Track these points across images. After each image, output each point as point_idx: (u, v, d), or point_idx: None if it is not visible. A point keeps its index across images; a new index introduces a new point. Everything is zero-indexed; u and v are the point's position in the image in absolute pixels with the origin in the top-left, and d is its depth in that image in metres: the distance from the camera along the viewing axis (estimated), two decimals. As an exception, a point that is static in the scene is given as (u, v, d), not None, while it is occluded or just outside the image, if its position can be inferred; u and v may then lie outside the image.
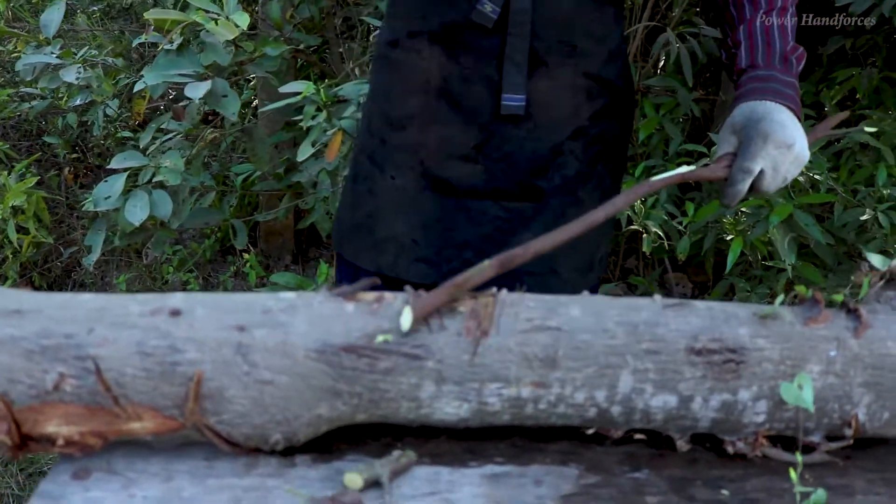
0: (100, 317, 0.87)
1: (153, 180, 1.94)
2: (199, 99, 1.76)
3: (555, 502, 0.85)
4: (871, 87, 2.57)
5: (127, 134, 2.92)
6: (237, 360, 0.86)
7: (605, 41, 1.28)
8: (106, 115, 2.51)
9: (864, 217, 2.02)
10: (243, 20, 1.80)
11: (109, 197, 1.82)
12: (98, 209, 1.84)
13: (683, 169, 1.13)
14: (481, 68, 1.22)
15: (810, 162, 2.01)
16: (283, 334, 0.87)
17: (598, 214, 1.01)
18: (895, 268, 1.02)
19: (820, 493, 0.86)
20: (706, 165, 1.19)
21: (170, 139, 2.26)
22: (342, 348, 0.87)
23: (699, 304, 0.95)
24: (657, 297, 0.95)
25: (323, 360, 0.87)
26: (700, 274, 3.17)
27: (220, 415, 0.86)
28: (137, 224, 1.80)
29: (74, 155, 3.45)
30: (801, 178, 2.08)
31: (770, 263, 2.17)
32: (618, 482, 0.89)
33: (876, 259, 1.03)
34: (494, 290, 0.93)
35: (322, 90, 1.73)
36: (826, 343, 0.92)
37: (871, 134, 2.24)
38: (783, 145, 1.13)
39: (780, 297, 0.93)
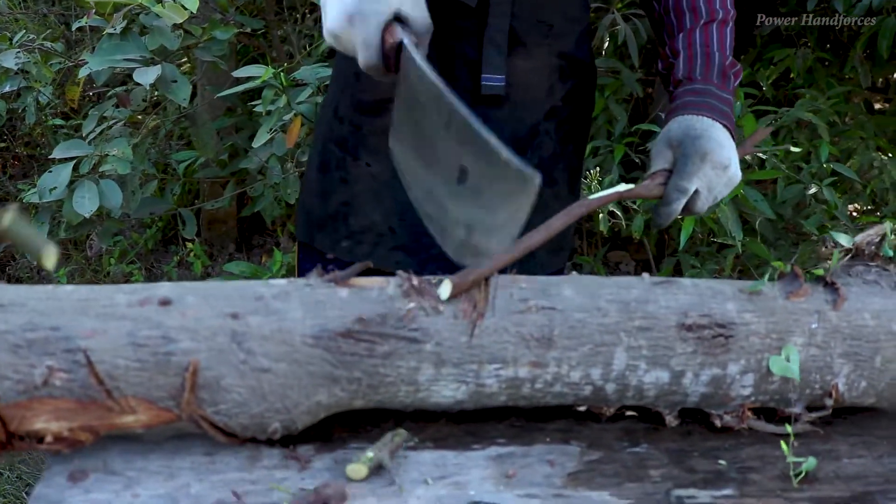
0: (86, 308, 0.84)
1: (99, 170, 1.88)
2: (149, 85, 1.70)
3: (562, 480, 0.86)
4: (805, 66, 2.65)
5: (59, 122, 2.82)
6: (233, 349, 0.84)
7: (579, 22, 1.29)
8: (38, 103, 2.42)
9: (812, 191, 2.08)
10: (192, 3, 1.75)
11: (56, 188, 1.76)
12: (43, 201, 1.77)
13: (621, 187, 1.09)
14: (460, 49, 1.21)
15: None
16: (279, 321, 0.86)
17: (536, 237, 0.98)
18: (861, 243, 1.06)
19: (811, 461, 0.89)
20: (642, 182, 1.14)
21: (109, 127, 2.20)
22: (340, 333, 0.86)
23: (686, 282, 0.97)
24: (645, 275, 0.97)
25: (321, 346, 0.86)
26: (641, 251, 3.24)
27: (216, 405, 0.84)
28: (87, 216, 1.74)
29: (2, 144, 3.31)
30: (748, 157, 2.14)
31: (718, 240, 2.23)
32: (619, 457, 0.91)
33: (842, 237, 1.06)
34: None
35: (282, 74, 1.69)
36: (808, 316, 0.95)
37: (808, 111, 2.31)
38: (719, 166, 1.10)
39: (768, 275, 0.96)
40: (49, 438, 0.83)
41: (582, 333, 0.90)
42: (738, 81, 1.22)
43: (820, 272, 0.98)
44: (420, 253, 1.31)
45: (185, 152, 2.56)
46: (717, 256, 2.44)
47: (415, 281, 0.91)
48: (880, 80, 3.23)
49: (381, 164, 1.29)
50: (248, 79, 1.78)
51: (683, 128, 1.11)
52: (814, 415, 0.97)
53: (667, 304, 0.93)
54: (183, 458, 0.86)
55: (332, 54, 2.82)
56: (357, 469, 0.84)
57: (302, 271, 1.44)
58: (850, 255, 1.06)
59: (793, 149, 2.13)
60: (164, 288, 0.88)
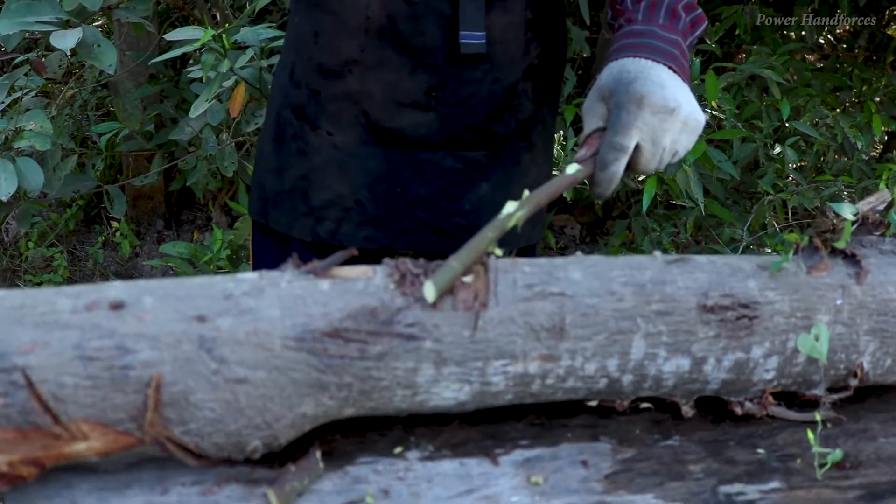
0: (22, 317, 0.71)
1: (14, 146, 1.69)
2: (68, 50, 1.53)
3: (601, 484, 0.77)
4: (752, 23, 2.60)
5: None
6: (202, 357, 0.72)
7: None
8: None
9: (777, 151, 2.03)
10: (112, -42, 1.58)
11: (-35, 167, 1.57)
12: (-48, 181, 1.59)
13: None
14: (432, 3, 1.09)
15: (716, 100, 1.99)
16: (253, 322, 0.74)
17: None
18: (867, 212, 1.00)
19: (837, 453, 0.82)
20: (577, 154, 0.97)
21: (20, 98, 2.00)
22: (326, 333, 0.74)
23: (701, 259, 0.88)
24: (657, 253, 0.88)
25: (305, 349, 0.74)
26: (586, 215, 3.17)
27: (186, 424, 0.72)
28: (5, 199, 1.56)
29: None
30: (706, 118, 2.07)
31: (677, 202, 2.17)
32: (654, 453, 0.83)
33: (846, 208, 0.99)
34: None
35: (224, 37, 1.53)
36: (832, 291, 0.87)
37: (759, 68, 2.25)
38: (663, 110, 0.92)
39: (791, 252, 0.87)
40: (-17, 474, 0.70)
41: (596, 321, 0.80)
42: (698, 28, 1.05)
43: (841, 244, 0.90)
44: (391, 226, 1.20)
45: (105, 124, 2.36)
46: (673, 218, 2.38)
47: (404, 267, 0.80)
48: (820, 36, 3.22)
49: (344, 133, 1.17)
50: (181, 43, 1.62)
51: (615, 74, 0.95)
52: (835, 396, 0.90)
53: (685, 284, 0.84)
54: (169, 493, 0.73)
55: (261, 16, 2.65)
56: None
57: (258, 254, 1.31)
58: (857, 224, 0.99)
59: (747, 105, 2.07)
60: (114, 288, 0.75)
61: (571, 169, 0.92)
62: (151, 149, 2.48)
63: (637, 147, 0.94)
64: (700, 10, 1.05)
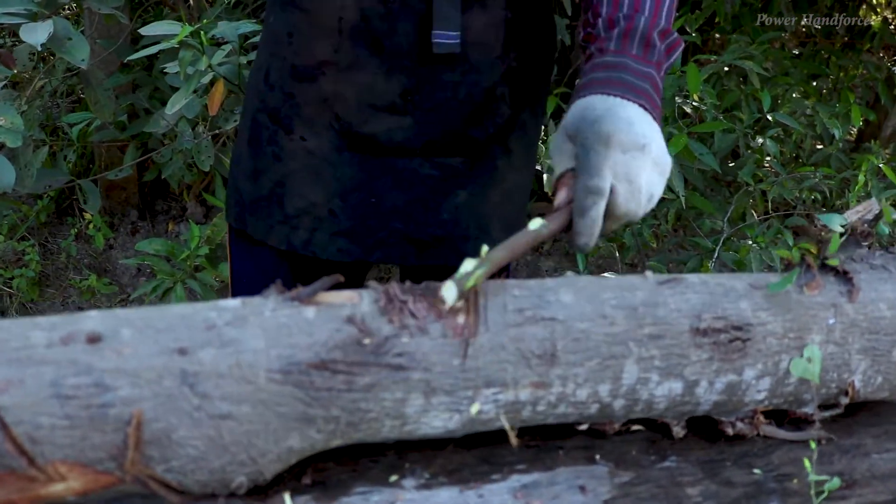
0: (-7, 353, 0.68)
1: (-18, 142, 1.64)
2: (38, 45, 1.48)
3: None
4: (733, 12, 2.58)
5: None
6: (184, 393, 0.69)
7: None
8: None
9: (759, 142, 2.03)
10: (82, -51, 1.52)
11: (-68, 166, 1.52)
12: (-82, 181, 1.54)
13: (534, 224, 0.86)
14: (407, 2, 1.06)
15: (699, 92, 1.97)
16: (236, 354, 0.71)
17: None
18: (856, 223, 0.99)
19: (834, 482, 0.81)
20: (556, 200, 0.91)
21: (-12, 89, 1.94)
22: (312, 365, 0.72)
23: (693, 279, 0.86)
24: (648, 273, 0.86)
25: (290, 382, 0.72)
26: (565, 204, 3.15)
27: (168, 462, 0.70)
28: (-26, 197, 1.52)
29: None
30: (687, 109, 2.06)
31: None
32: (651, 475, 0.81)
33: (834, 220, 0.98)
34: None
35: (202, 33, 1.49)
36: (824, 311, 0.86)
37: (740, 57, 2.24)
38: (633, 147, 0.87)
39: (792, 274, 0.86)
40: (-44, 519, 0.68)
41: (588, 346, 0.79)
42: (673, 54, 0.99)
43: (835, 262, 0.89)
44: (366, 238, 1.17)
45: (77, 114, 2.30)
46: (654, 209, 2.37)
47: (391, 293, 0.77)
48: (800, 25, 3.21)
49: (318, 138, 1.14)
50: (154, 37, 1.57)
51: (580, 112, 0.90)
52: (826, 414, 0.90)
53: (677, 306, 0.82)
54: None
55: (236, 3, 2.59)
56: None
57: (238, 262, 1.28)
58: (843, 236, 0.98)
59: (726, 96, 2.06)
60: (91, 320, 0.72)
61: (535, 224, 0.86)
62: (125, 139, 2.42)
63: (612, 189, 0.88)
64: (675, 34, 0.99)
